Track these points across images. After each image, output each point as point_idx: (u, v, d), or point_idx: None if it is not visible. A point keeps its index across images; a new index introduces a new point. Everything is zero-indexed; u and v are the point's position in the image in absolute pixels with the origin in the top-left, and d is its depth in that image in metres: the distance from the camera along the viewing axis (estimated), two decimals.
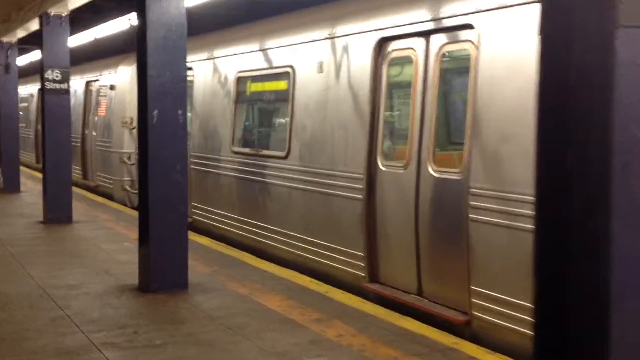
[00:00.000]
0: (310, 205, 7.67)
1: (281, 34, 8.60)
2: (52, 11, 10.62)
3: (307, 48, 7.80)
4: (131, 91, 13.20)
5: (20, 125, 22.57)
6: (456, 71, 6.23)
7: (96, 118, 15.36)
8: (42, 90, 10.90)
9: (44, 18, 10.72)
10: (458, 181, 5.61)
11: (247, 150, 9.23)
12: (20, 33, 13.94)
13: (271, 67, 8.69)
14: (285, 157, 8.11)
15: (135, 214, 11.90)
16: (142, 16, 6.59)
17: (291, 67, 8.08)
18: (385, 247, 6.53)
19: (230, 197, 9.53)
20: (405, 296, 6.20)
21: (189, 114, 9.81)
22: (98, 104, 15.24)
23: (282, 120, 8.67)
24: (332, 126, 7.30)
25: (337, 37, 7.22)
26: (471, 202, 5.38)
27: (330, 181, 7.26)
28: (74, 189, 14.77)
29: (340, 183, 7.08)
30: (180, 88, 6.71)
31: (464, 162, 5.55)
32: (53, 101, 10.81)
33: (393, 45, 6.51)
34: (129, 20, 11.01)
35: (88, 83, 16.09)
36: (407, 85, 6.49)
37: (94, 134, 15.49)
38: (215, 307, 6.20)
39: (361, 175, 6.72)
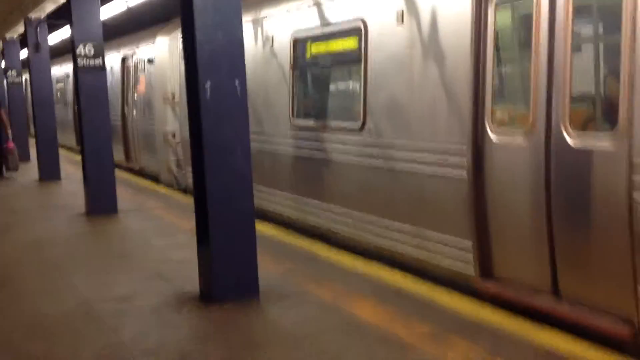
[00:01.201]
0: (395, 187, 6.38)
1: None
2: None
3: None
4: (171, 64, 12.00)
5: (57, 106, 21.83)
6: (596, 5, 4.80)
7: (136, 95, 14.31)
8: (75, 69, 9.77)
9: None
10: (611, 152, 4.27)
11: (310, 123, 7.95)
12: (49, 7, 12.81)
13: (336, 24, 7.31)
14: (360, 130, 6.85)
15: (186, 199, 11.36)
16: None
17: (362, 20, 6.74)
18: (502, 234, 5.23)
19: (291, 178, 8.40)
20: (537, 298, 4.92)
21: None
22: (137, 80, 14.15)
23: (354, 87, 7.35)
24: (420, 90, 5.95)
25: None
26: (636, 178, 4.05)
27: (421, 157, 5.96)
28: (118, 172, 13.91)
29: (435, 159, 5.78)
30: (237, 53, 5.45)
31: (621, 125, 4.20)
32: (88, 80, 9.68)
33: None
34: None
35: (124, 58, 14.96)
36: (524, 30, 5.13)
37: (135, 112, 14.46)
38: (297, 322, 5.03)
39: (464, 148, 5.42)
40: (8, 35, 17.38)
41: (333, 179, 7.49)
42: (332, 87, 8.17)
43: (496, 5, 5.18)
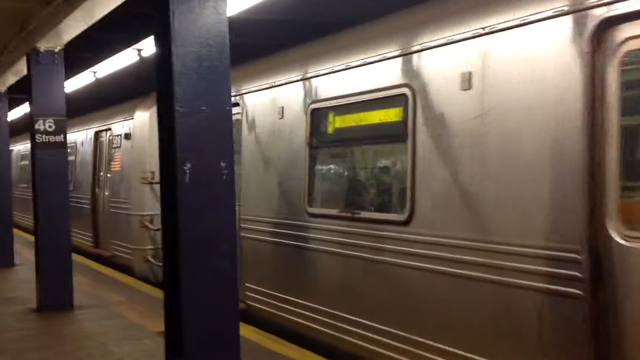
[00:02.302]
0: (462, 299, 4.90)
1: (385, 41, 5.90)
2: (42, 46, 8.51)
3: (437, 55, 5.22)
4: (151, 140, 10.86)
5: (22, 185, 20.63)
6: None
7: (109, 174, 13.16)
8: (32, 145, 8.74)
9: (32, 56, 8.61)
10: None
11: (333, 211, 6.49)
12: (11, 79, 11.84)
13: (368, 91, 5.97)
14: (406, 223, 5.41)
15: (154, 291, 10.21)
16: (163, 26, 4.43)
17: (408, 86, 5.47)
18: None
19: (306, 278, 6.84)
20: None
21: (236, 165, 7.54)
22: (111, 157, 12.99)
23: (395, 169, 6.04)
24: (499, 172, 4.61)
25: (499, 30, 4.63)
26: None
27: (506, 262, 4.52)
28: (84, 260, 12.73)
29: (529, 266, 4.36)
30: (224, 128, 4.51)
31: None
32: (47, 158, 8.61)
33: (629, 29, 3.91)
34: (137, 52, 8.87)
35: (97, 134, 13.90)
36: None
37: (107, 193, 13.23)
38: None
39: (577, 255, 4.03)
40: None
41: (369, 285, 5.91)
42: (361, 168, 6.71)
43: (622, 63, 3.94)
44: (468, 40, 4.90)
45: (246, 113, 8.00)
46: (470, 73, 4.85)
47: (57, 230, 8.67)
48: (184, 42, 4.37)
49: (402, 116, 5.57)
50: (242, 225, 7.90)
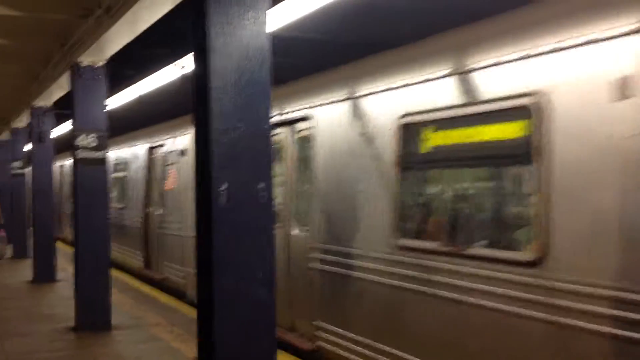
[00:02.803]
0: None
1: (508, 39, 4.80)
2: (84, 61, 8.41)
3: (579, 56, 4.21)
4: None
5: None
6: None
7: (162, 192, 12.34)
8: (74, 161, 8.61)
9: (75, 70, 8.51)
10: None
11: (428, 245, 5.43)
12: (57, 94, 11.85)
13: (482, 102, 4.95)
14: (536, 264, 4.36)
15: (194, 313, 9.65)
16: (200, 38, 4.18)
17: (537, 94, 4.42)
18: None
19: (397, 322, 5.79)
20: None
21: (306, 185, 7.20)
22: (164, 175, 12.17)
23: (517, 196, 4.94)
24: None
25: None
26: None
27: None
28: (132, 281, 12.52)
29: None
30: (262, 147, 4.22)
31: None
32: (87, 174, 8.49)
33: None
34: (181, 68, 8.70)
35: (151, 150, 13.17)
36: None
37: (160, 212, 12.44)
38: None
39: None
40: (15, 125, 16.48)
41: (481, 337, 4.83)
42: (467, 192, 5.53)
43: None
44: (622, 38, 3.93)
45: (319, 128, 7.06)
46: (625, 78, 3.87)
47: (96, 248, 8.51)
48: (221, 55, 4.11)
49: (527, 131, 4.52)
50: (311, 255, 7.09)
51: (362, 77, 6.54)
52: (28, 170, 16.62)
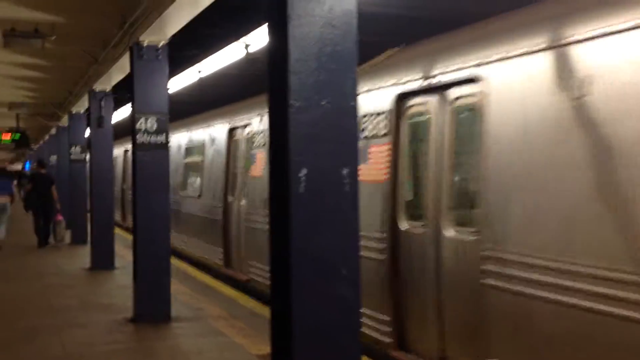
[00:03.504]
0: None
1: None
2: (145, 40, 8.03)
3: None
4: None
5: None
6: None
7: (247, 180, 10.66)
8: (133, 145, 8.27)
9: (135, 50, 8.16)
10: None
11: None
12: (116, 77, 11.57)
13: None
14: None
15: (258, 307, 8.53)
16: (278, 4, 3.69)
17: None
18: None
19: None
20: None
21: (471, 171, 5.39)
22: (251, 159, 10.49)
23: None
24: None
25: None
26: None
27: None
28: (186, 268, 12.13)
29: None
30: (347, 127, 3.72)
31: None
32: (147, 159, 8.14)
33: None
34: (244, 46, 8.24)
35: (232, 131, 11.38)
36: None
37: (244, 203, 10.69)
38: None
39: None
40: (75, 110, 16.38)
41: None
42: None
43: None
44: None
45: (494, 93, 5.12)
46: None
47: (156, 236, 8.17)
48: (301, 22, 3.62)
49: None
50: (485, 267, 5.05)
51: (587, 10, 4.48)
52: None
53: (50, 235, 15.77)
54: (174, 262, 11.81)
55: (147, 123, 8.14)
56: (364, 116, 6.70)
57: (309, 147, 3.63)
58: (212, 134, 12.60)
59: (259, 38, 8.02)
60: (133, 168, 8.33)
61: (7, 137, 20.57)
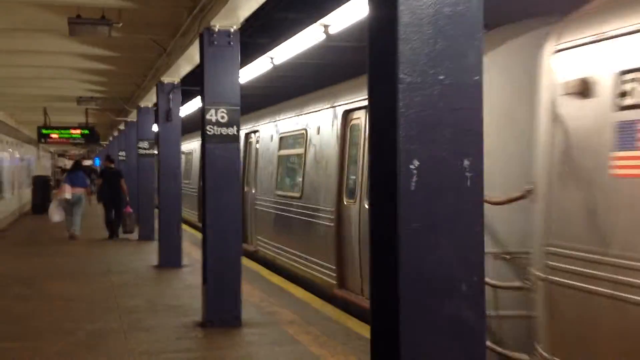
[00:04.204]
0: None
1: None
2: (217, 25, 7.47)
3: None
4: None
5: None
6: None
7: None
8: (203, 138, 7.73)
9: (205, 36, 7.60)
10: None
11: None
12: (184, 68, 11.11)
13: None
14: None
15: (335, 312, 7.79)
16: None
17: None
18: None
19: None
20: None
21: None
22: None
23: None
24: None
25: None
26: None
27: None
28: (254, 267, 11.56)
29: None
30: (471, 107, 3.00)
31: None
32: (217, 152, 7.59)
33: None
34: (323, 29, 7.57)
35: (348, 114, 9.05)
36: None
37: (366, 206, 7.46)
38: None
39: None
40: (143, 104, 16.08)
41: None
42: None
43: None
44: None
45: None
46: None
47: (226, 235, 7.62)
48: None
49: None
50: None
51: None
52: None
53: (120, 227, 16.16)
54: (248, 264, 11.32)
55: (218, 114, 7.59)
56: None
57: (422, 133, 2.93)
58: (318, 120, 10.12)
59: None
60: (202, 162, 7.79)
61: (76, 132, 20.52)
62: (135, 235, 15.95)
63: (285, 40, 8.44)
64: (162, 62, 11.08)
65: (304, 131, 10.76)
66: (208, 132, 7.57)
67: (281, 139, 12.11)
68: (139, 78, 13.68)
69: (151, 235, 15.33)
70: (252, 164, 13.84)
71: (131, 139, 19.39)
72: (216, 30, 7.50)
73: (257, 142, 13.61)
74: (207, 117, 7.57)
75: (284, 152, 12.03)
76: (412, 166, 2.91)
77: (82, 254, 13.86)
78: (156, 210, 14.05)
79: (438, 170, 2.95)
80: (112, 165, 17.06)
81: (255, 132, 13.86)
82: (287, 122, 11.81)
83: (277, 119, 12.42)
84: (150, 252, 13.10)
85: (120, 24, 8.44)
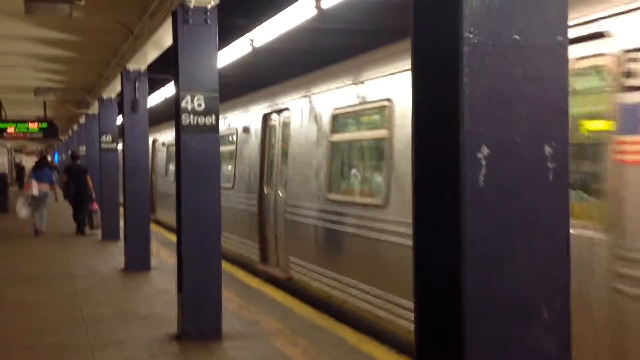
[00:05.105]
0: None
1: None
2: (192, 1, 6.68)
3: None
4: None
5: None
6: None
7: None
8: (177, 128, 6.94)
9: (179, 15, 6.80)
10: None
11: None
12: (153, 53, 10.25)
13: None
14: None
15: (321, 319, 6.92)
16: None
17: None
18: None
19: None
20: None
21: None
22: None
23: None
24: None
25: None
26: None
27: None
28: (234, 271, 10.44)
29: None
30: (555, 77, 2.30)
31: None
32: (194, 144, 6.81)
33: None
34: (315, 2, 6.78)
35: None
36: None
37: None
38: None
39: None
40: (105, 94, 15.12)
41: None
42: None
43: None
44: None
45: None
46: None
47: (204, 237, 6.84)
48: None
49: None
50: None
51: None
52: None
53: (86, 224, 16.29)
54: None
55: (194, 101, 6.80)
56: None
57: (492, 112, 2.22)
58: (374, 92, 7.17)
59: None
60: (177, 155, 7.00)
61: (34, 126, 19.41)
62: (99, 235, 15.04)
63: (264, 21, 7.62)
64: (127, 46, 10.22)
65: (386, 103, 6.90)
66: (183, 122, 6.78)
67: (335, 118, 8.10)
68: (102, 66, 12.75)
69: (116, 235, 14.44)
70: (275, 155, 10.11)
71: (93, 133, 18.48)
72: (191, 6, 6.70)
73: (286, 125, 9.62)
74: (182, 104, 6.78)
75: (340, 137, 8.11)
76: (480, 155, 2.20)
77: (43, 254, 12.98)
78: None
79: (513, 161, 2.24)
80: (78, 162, 17.04)
81: (281, 111, 9.84)
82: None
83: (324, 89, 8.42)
84: (116, 254, 12.24)
85: (83, 2, 7.58)
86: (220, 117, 7.07)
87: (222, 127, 10.35)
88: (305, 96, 8.90)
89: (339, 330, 6.98)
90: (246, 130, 11.35)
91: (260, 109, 10.68)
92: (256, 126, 10.81)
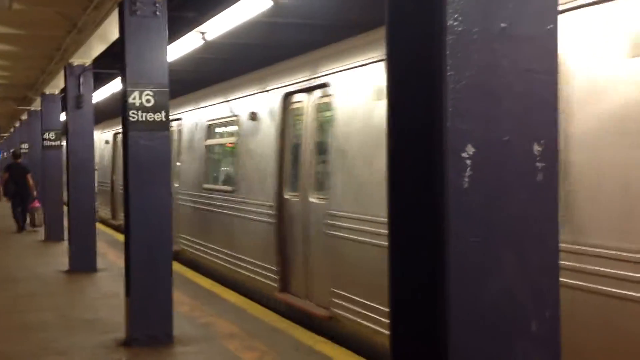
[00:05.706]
0: None
1: None
2: None
3: None
4: None
5: None
6: None
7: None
8: (125, 126, 6.62)
9: (127, 5, 6.46)
10: None
11: None
12: (97, 49, 9.86)
13: None
14: None
15: (279, 321, 6.86)
16: None
17: None
18: None
19: None
20: None
21: None
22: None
23: None
24: None
25: None
26: None
27: None
28: (184, 271, 10.06)
29: None
30: (543, 69, 2.12)
31: None
32: (142, 142, 6.50)
33: None
34: None
35: None
36: None
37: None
38: None
39: None
40: (48, 90, 14.56)
41: None
42: None
43: None
44: None
45: None
46: None
47: (153, 239, 6.54)
48: None
49: None
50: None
51: None
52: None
53: (27, 221, 16.48)
54: None
55: (142, 97, 6.49)
56: None
57: (476, 106, 2.03)
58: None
59: None
60: (124, 153, 6.67)
61: None
62: (41, 235, 14.49)
63: (216, 14, 7.31)
64: (71, 40, 9.78)
65: None
66: (131, 118, 6.47)
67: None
68: (44, 60, 12.22)
69: (60, 236, 13.93)
70: (308, 147, 7.61)
71: (35, 130, 17.84)
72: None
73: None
74: (130, 100, 6.47)
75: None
76: (464, 154, 2.01)
77: None
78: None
79: (499, 160, 2.06)
80: (19, 161, 17.15)
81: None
82: None
83: None
84: (59, 255, 11.79)
85: None
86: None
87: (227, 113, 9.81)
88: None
89: (294, 331, 6.78)
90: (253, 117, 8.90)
91: (279, 88, 8.20)
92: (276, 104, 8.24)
